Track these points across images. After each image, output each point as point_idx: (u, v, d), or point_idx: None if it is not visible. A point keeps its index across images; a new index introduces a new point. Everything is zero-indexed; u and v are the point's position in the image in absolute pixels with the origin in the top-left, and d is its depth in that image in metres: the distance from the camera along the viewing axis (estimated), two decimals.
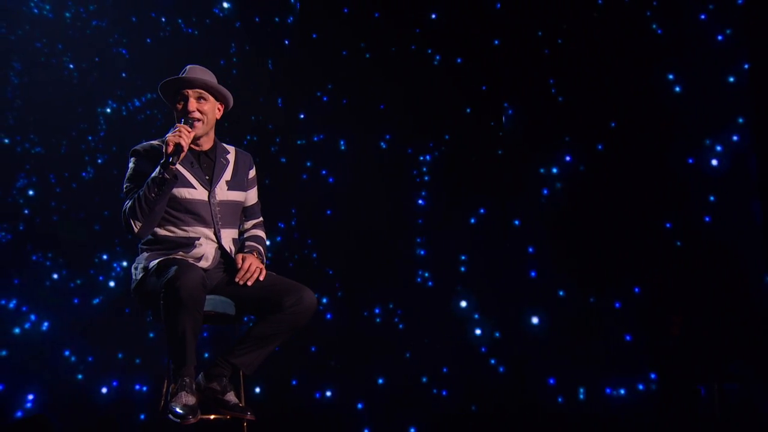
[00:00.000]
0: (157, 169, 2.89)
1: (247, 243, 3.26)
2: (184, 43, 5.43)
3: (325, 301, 5.54)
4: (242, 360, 2.99)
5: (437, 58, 5.68)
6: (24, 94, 5.04)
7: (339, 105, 5.72)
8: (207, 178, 3.12)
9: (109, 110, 5.29)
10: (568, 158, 5.26)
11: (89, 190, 5.14)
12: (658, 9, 5.17)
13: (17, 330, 4.84)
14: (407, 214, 5.57)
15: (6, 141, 4.97)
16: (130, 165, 3.09)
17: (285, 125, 5.75)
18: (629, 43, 5.14)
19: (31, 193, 5.01)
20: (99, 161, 5.21)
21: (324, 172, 5.72)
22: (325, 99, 5.77)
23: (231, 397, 2.98)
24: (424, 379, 5.29)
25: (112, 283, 5.14)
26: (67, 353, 4.96)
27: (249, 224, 3.36)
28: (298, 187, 5.71)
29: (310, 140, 5.75)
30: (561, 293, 5.12)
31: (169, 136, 2.91)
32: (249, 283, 3.01)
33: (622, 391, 4.84)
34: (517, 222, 5.41)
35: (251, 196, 3.34)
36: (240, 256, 3.10)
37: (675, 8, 5.13)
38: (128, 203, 2.96)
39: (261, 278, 3.03)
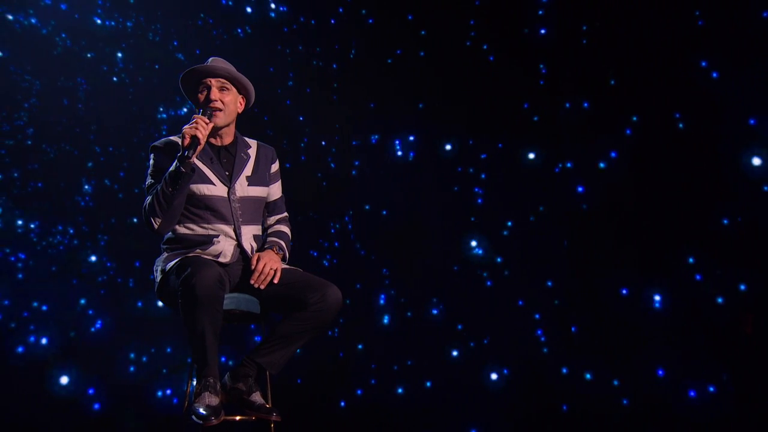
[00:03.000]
0: (174, 164, 2.83)
1: (269, 239, 3.18)
2: (237, 49, 5.49)
3: (382, 302, 5.51)
4: (267, 359, 2.93)
5: (491, 58, 5.58)
6: (88, 102, 5.17)
7: (391, 105, 5.69)
8: (227, 174, 3.06)
9: (165, 116, 5.39)
10: (613, 154, 5.06)
11: None
12: None
13: (73, 332, 4.97)
14: (463, 213, 5.48)
15: (68, 149, 5.09)
16: (150, 161, 3.05)
17: (341, 126, 5.76)
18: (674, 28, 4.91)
19: (91, 197, 5.13)
20: None
21: (381, 172, 5.70)
22: (373, 104, 5.74)
23: (257, 397, 2.91)
24: (483, 379, 5.19)
25: None
26: (129, 354, 5.07)
27: (272, 219, 3.29)
28: (354, 188, 5.70)
29: (366, 141, 5.74)
30: (624, 292, 4.93)
31: (186, 129, 2.84)
32: (262, 287, 2.94)
33: (692, 393, 4.63)
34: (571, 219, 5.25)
35: (274, 191, 3.28)
36: (256, 255, 3.00)
37: None
38: (147, 200, 2.91)
39: (275, 280, 2.95)
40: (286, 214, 3.36)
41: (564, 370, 5.02)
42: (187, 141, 2.81)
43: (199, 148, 2.86)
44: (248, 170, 3.14)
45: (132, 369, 5.04)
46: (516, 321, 5.18)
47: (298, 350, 3.02)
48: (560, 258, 5.18)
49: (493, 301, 5.29)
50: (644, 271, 4.83)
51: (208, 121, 2.90)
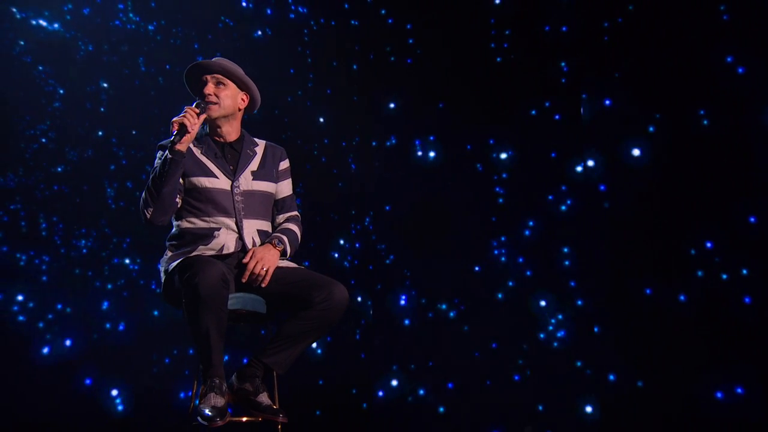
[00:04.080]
0: (165, 151, 2.90)
1: (273, 234, 3.16)
2: (257, 51, 5.51)
3: (404, 303, 5.49)
4: (274, 359, 2.91)
5: (512, 57, 5.53)
6: (110, 106, 5.22)
7: (412, 105, 5.67)
8: (231, 168, 3.10)
9: None
10: (636, 152, 4.97)
11: None
12: None
13: (96, 335, 5.00)
14: (485, 213, 5.44)
15: (91, 152, 5.14)
16: (156, 158, 3.09)
17: (361, 127, 5.75)
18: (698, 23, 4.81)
19: (113, 200, 5.17)
20: None
21: (402, 173, 5.68)
22: (393, 104, 5.72)
23: (264, 398, 2.90)
24: (505, 380, 5.14)
25: None
26: (152, 355, 5.10)
27: (282, 218, 3.27)
28: (374, 189, 5.68)
29: (387, 141, 5.73)
30: (648, 291, 4.86)
31: (175, 118, 2.90)
32: (254, 285, 2.94)
33: (719, 395, 4.54)
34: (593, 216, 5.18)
35: (282, 188, 3.27)
36: (251, 251, 2.99)
37: None
38: (143, 192, 2.96)
39: (264, 283, 2.94)
40: (296, 213, 3.34)
41: (588, 372, 4.96)
42: (175, 128, 2.87)
43: (188, 137, 2.90)
44: (254, 165, 3.17)
45: (155, 370, 5.07)
46: (538, 322, 5.13)
47: (307, 348, 3.00)
48: (583, 258, 5.12)
49: (514, 301, 5.24)
50: (669, 270, 4.75)
51: (197, 111, 2.94)
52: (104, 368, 4.89)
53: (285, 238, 3.12)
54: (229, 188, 3.05)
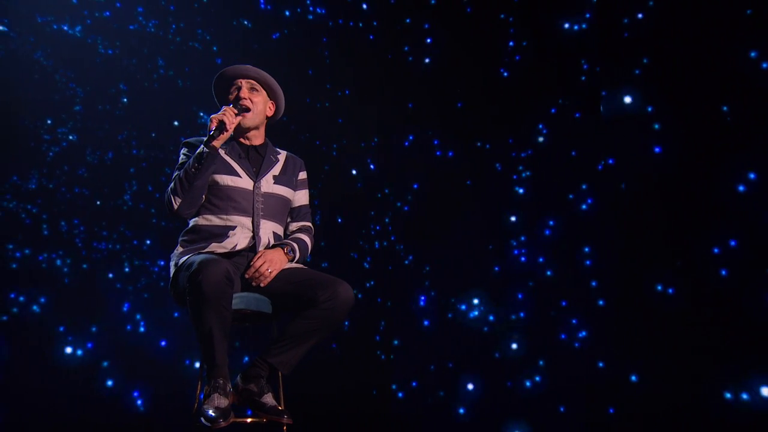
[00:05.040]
0: (200, 146, 2.94)
1: (286, 240, 3.17)
2: (276, 52, 5.52)
3: (423, 303, 5.47)
4: (279, 359, 2.88)
5: (530, 55, 5.48)
6: (130, 108, 5.25)
7: (430, 104, 5.65)
8: (254, 170, 3.12)
9: (207, 120, 5.42)
10: (657, 149, 4.90)
11: None
12: None
13: (117, 335, 5.02)
14: (504, 212, 5.40)
15: (111, 155, 5.17)
16: (180, 154, 3.13)
17: (379, 126, 5.74)
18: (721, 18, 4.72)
19: (133, 202, 5.20)
20: None
21: (420, 172, 5.66)
22: (411, 104, 5.71)
23: (268, 399, 2.87)
24: (525, 381, 5.10)
25: None
26: (174, 357, 5.12)
27: (294, 226, 3.27)
28: (394, 189, 5.67)
29: (405, 141, 5.71)
30: (671, 291, 4.78)
31: (213, 115, 2.94)
32: (253, 283, 2.94)
33: (745, 396, 4.46)
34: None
35: (299, 197, 3.29)
36: (260, 252, 3.00)
37: None
38: (171, 184, 2.98)
39: (263, 284, 2.94)
40: (310, 224, 3.32)
41: (609, 373, 4.89)
42: (213, 125, 2.91)
43: (225, 134, 2.95)
44: (276, 170, 3.19)
45: (175, 371, 5.09)
46: (559, 322, 5.08)
47: (313, 348, 2.94)
48: (604, 257, 5.05)
49: (535, 301, 5.19)
50: (692, 269, 4.67)
51: (236, 112, 3.00)
52: (126, 369, 4.91)
53: (296, 247, 3.13)
54: (251, 188, 3.07)
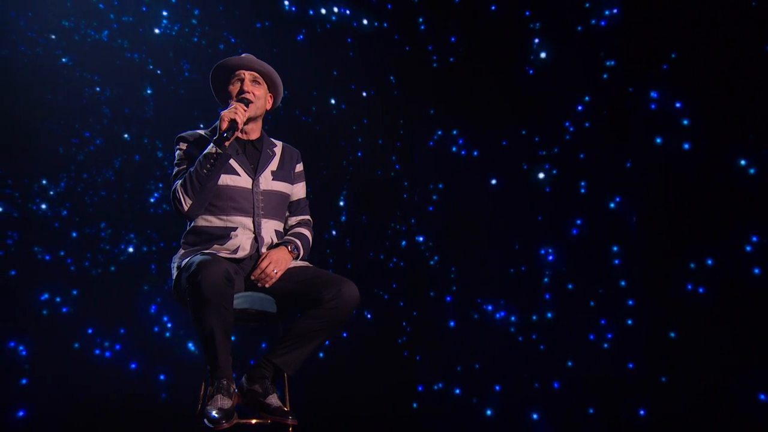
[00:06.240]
0: (210, 146, 2.86)
1: (286, 237, 3.14)
2: (300, 53, 5.52)
3: (449, 303, 5.44)
4: (283, 360, 2.87)
5: (554, 53, 5.41)
6: (156, 112, 5.28)
7: (453, 104, 5.62)
8: (252, 166, 3.07)
9: None
10: (686, 146, 4.79)
11: None
12: None
13: (145, 337, 5.06)
14: (530, 212, 5.35)
15: (137, 158, 5.21)
16: (177, 150, 3.08)
17: (402, 126, 5.72)
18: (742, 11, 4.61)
19: (159, 204, 5.23)
20: None
21: (445, 172, 5.63)
22: (436, 103, 5.67)
23: (273, 400, 2.85)
24: (551, 384, 5.04)
25: None
26: (198, 358, 5.13)
27: (294, 220, 3.25)
28: (417, 189, 5.65)
29: (429, 140, 5.69)
30: (701, 290, 4.69)
31: (224, 113, 2.87)
32: (259, 284, 2.92)
33: (762, 397, 4.36)
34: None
35: (297, 191, 3.26)
36: (266, 253, 2.97)
37: None
38: (179, 182, 2.92)
39: (267, 285, 2.92)
40: (309, 217, 3.30)
41: (639, 374, 4.81)
42: (225, 124, 2.85)
43: (237, 132, 2.92)
44: (273, 165, 3.15)
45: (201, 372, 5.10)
46: (587, 322, 5.01)
47: (318, 348, 2.98)
48: (633, 256, 4.97)
49: (562, 302, 5.13)
50: (723, 268, 4.57)
51: (246, 108, 2.94)
52: (152, 371, 4.95)
53: (299, 244, 3.11)
54: (250, 187, 3.03)
